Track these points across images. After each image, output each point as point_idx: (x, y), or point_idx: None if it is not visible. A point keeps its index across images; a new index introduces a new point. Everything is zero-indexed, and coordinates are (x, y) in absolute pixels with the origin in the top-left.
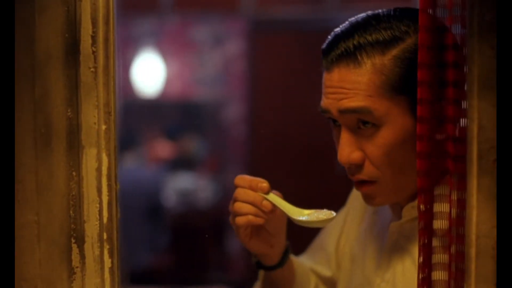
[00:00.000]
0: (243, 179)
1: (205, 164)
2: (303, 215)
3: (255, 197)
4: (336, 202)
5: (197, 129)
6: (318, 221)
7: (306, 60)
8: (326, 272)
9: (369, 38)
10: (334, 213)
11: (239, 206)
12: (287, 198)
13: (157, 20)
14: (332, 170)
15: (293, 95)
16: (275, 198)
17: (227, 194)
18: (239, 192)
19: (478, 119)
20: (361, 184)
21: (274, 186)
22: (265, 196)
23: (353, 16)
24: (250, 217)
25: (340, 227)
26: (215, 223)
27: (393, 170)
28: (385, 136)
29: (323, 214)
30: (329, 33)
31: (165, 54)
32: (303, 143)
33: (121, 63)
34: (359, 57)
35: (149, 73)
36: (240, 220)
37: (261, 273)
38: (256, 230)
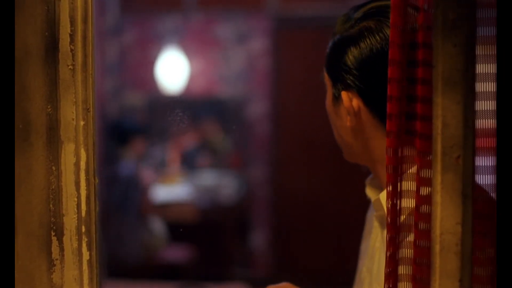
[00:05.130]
0: None
1: (229, 161)
2: None
3: None
4: (358, 199)
5: (221, 125)
6: None
7: None
8: None
9: (337, 27)
10: None
11: None
12: (310, 194)
13: (182, 18)
14: (355, 167)
15: (317, 92)
16: None
17: (250, 191)
18: None
19: (442, 116)
20: None
21: (297, 183)
22: None
23: None
24: None
25: None
26: (238, 219)
27: (335, 132)
28: (326, 97)
29: None
30: None
31: (189, 51)
32: (326, 139)
33: (147, 60)
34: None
35: (173, 70)
36: None
37: None
38: None
